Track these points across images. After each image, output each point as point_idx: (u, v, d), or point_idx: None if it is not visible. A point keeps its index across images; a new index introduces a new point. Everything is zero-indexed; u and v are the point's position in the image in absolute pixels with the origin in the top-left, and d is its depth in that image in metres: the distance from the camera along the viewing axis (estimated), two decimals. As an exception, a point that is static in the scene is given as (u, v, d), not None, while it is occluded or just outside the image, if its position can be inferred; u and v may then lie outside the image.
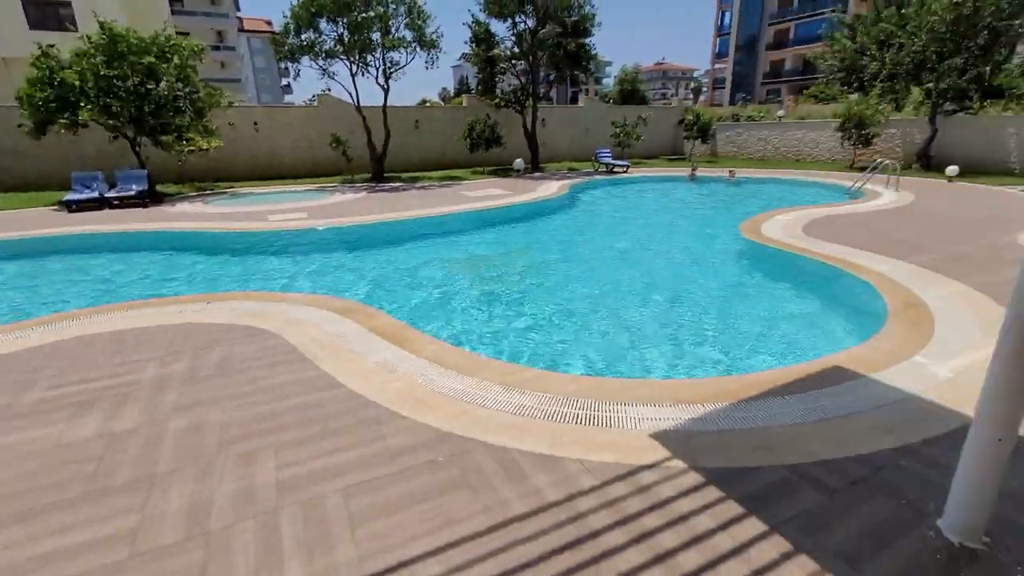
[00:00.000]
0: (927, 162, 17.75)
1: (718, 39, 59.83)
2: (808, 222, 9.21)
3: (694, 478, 2.57)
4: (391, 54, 17.42)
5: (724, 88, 57.12)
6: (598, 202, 14.77)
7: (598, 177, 18.38)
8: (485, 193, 14.16)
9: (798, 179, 17.10)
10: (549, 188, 15.08)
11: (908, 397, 3.31)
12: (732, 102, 48.16)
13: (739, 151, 25.31)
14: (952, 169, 15.11)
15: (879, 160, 14.97)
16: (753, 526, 2.25)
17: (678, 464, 2.68)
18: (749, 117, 26.36)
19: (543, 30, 19.73)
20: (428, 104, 36.27)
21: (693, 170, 18.48)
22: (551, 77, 23.87)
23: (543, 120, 23.49)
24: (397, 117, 20.18)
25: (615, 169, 19.62)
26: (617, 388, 3.58)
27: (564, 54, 20.76)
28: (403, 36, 17.25)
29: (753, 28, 53.57)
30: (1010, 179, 15.22)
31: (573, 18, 19.93)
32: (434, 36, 17.52)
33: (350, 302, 5.52)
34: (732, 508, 2.36)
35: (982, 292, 5.23)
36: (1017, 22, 16.66)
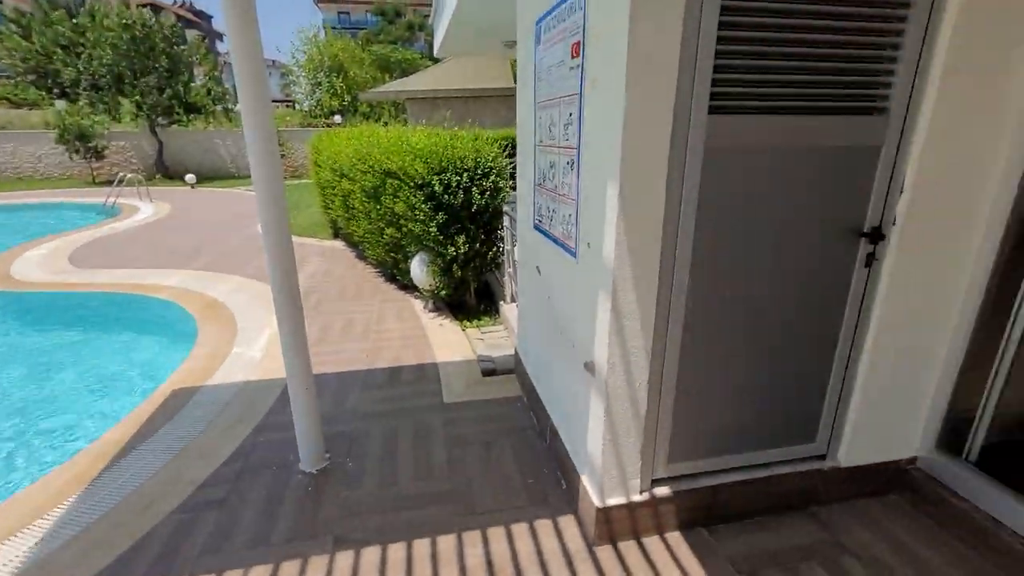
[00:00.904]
0: (166, 171, 19.14)
1: None
2: (73, 251, 8.16)
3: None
4: None
5: None
6: None
7: None
8: None
9: (36, 202, 14.39)
10: None
11: (243, 385, 3.88)
12: None
13: (-82, 172, 18.05)
14: (191, 177, 17.11)
15: (122, 174, 14.82)
16: (171, 591, 2.13)
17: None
18: (-89, 124, 18.87)
19: None
20: None
21: None
22: None
23: None
24: None
25: None
26: None
27: None
28: None
29: None
30: (237, 181, 18.93)
31: None
32: None
33: None
34: (141, 594, 2.12)
35: (256, 279, 6.56)
36: (183, 48, 19.86)
